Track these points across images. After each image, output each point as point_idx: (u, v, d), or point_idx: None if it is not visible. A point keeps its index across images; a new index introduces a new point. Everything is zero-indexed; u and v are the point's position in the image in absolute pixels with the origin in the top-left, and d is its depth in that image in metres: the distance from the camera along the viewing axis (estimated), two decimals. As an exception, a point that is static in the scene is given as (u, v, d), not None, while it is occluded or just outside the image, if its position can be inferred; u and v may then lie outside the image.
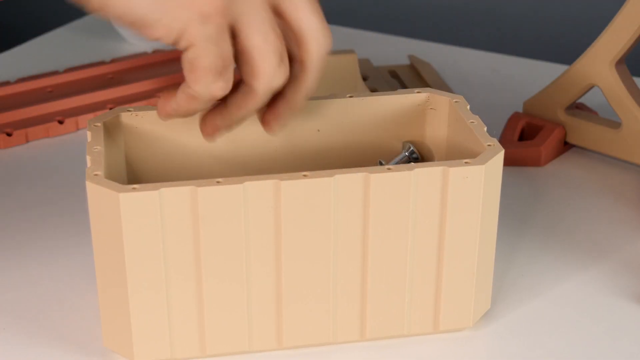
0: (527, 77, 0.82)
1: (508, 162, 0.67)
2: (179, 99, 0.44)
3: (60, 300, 0.52)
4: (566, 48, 0.90)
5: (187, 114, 0.45)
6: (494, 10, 0.96)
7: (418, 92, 0.52)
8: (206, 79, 0.43)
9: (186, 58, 0.43)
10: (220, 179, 0.43)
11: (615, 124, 0.67)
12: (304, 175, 0.44)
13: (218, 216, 0.43)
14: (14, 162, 0.68)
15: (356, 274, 0.46)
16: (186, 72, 0.43)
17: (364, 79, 0.77)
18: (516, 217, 0.61)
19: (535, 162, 0.67)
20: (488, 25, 0.97)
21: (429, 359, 0.48)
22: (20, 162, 0.68)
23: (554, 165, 0.68)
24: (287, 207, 0.44)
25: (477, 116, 0.49)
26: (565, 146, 0.69)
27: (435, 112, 0.52)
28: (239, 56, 0.44)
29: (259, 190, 0.43)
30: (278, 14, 0.45)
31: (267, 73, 0.43)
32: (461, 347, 0.49)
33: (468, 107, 0.51)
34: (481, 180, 0.45)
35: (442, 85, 0.76)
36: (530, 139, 0.69)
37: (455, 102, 0.51)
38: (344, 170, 0.44)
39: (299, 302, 0.46)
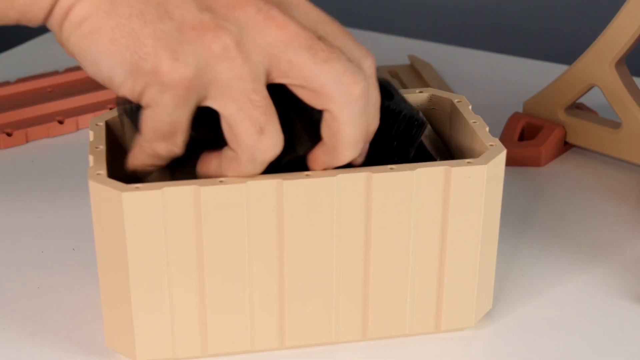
0: (527, 77, 0.82)
1: (508, 162, 0.67)
2: (134, 148, 0.44)
3: (61, 300, 0.52)
4: (566, 48, 0.91)
5: (143, 166, 0.44)
6: (494, 10, 0.96)
7: (420, 92, 0.52)
8: (150, 137, 0.42)
9: (142, 112, 0.42)
10: (222, 179, 0.43)
11: (615, 124, 0.67)
12: (307, 175, 0.44)
13: (221, 216, 0.43)
14: (14, 162, 0.68)
15: (358, 273, 0.46)
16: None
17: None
18: (517, 217, 0.61)
19: (535, 162, 0.68)
20: (488, 25, 0.97)
21: (431, 359, 0.48)
22: (20, 162, 0.68)
23: (554, 165, 0.68)
24: (289, 206, 0.44)
25: (479, 116, 0.49)
26: (565, 146, 0.70)
27: (437, 112, 0.52)
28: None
29: (261, 190, 0.43)
30: (284, 76, 0.41)
31: (246, 143, 0.41)
32: (463, 347, 0.49)
33: (470, 107, 0.51)
34: (483, 180, 0.45)
35: (442, 86, 0.76)
36: (530, 139, 0.69)
37: (457, 102, 0.51)
38: (346, 170, 0.44)
39: (301, 301, 0.46)
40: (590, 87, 0.67)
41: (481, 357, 0.49)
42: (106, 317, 0.46)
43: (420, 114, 0.47)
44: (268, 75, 0.41)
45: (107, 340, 0.47)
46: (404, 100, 0.48)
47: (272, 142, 0.41)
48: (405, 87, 0.77)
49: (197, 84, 0.40)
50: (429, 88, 0.53)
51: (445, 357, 0.48)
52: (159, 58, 0.39)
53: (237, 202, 0.43)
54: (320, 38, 0.41)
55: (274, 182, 0.43)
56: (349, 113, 0.41)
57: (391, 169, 0.45)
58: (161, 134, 0.42)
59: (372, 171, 0.44)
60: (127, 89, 0.41)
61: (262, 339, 0.47)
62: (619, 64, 0.65)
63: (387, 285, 0.47)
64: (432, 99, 0.52)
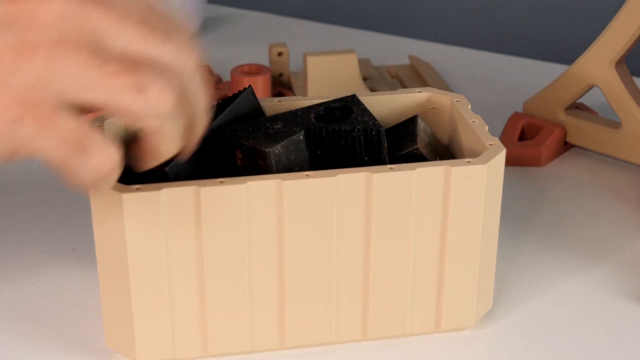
0: (527, 77, 0.82)
1: (508, 162, 0.67)
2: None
3: (62, 300, 0.52)
4: (566, 48, 0.90)
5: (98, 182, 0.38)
6: (494, 10, 0.96)
7: (419, 92, 0.52)
8: (73, 168, 0.37)
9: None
10: (222, 179, 0.43)
11: (615, 124, 0.67)
12: (307, 175, 0.44)
13: (221, 216, 0.43)
14: (14, 162, 0.68)
15: (358, 273, 0.46)
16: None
17: (364, 79, 0.77)
18: (516, 217, 0.61)
19: (535, 162, 0.68)
20: (488, 25, 0.97)
21: (431, 359, 0.48)
22: (20, 162, 0.68)
23: (554, 165, 0.68)
24: (289, 207, 0.44)
25: (479, 115, 0.49)
26: (565, 146, 0.70)
27: (436, 112, 0.52)
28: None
29: (261, 190, 0.43)
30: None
31: (138, 111, 0.37)
32: (463, 347, 0.49)
33: (469, 106, 0.51)
34: (483, 179, 0.45)
35: (442, 85, 0.76)
36: (530, 139, 0.69)
37: (457, 101, 0.51)
38: (346, 169, 0.44)
39: (302, 301, 0.46)
40: (590, 87, 0.67)
41: (481, 357, 0.49)
42: (106, 317, 0.46)
43: (376, 121, 0.48)
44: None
45: (107, 341, 0.47)
46: (362, 112, 0.48)
47: (160, 93, 0.37)
48: (405, 87, 0.77)
49: (44, 97, 0.36)
50: (429, 87, 0.53)
51: (445, 357, 0.48)
52: None
53: (237, 202, 0.43)
54: (146, 19, 0.37)
55: (273, 182, 0.43)
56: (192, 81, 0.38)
57: (391, 168, 0.45)
58: (72, 153, 0.36)
59: (372, 171, 0.44)
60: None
61: (262, 339, 0.47)
62: (619, 64, 0.65)
63: (387, 285, 0.47)
64: (432, 99, 0.52)
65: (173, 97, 0.37)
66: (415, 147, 0.48)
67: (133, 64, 0.37)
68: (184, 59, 0.38)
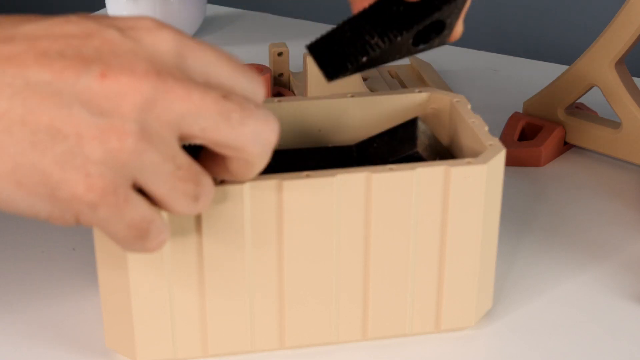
0: (527, 77, 0.82)
1: (508, 162, 0.67)
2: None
3: (62, 300, 0.52)
4: (566, 48, 0.91)
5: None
6: (494, 10, 0.96)
7: (419, 92, 0.52)
8: (130, 247, 0.40)
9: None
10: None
11: (615, 124, 0.67)
12: (307, 175, 0.44)
13: (220, 216, 0.43)
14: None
15: (358, 273, 0.46)
16: None
17: (364, 79, 0.77)
18: (516, 217, 0.61)
19: (535, 162, 0.68)
20: (488, 25, 0.97)
21: (431, 359, 0.48)
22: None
23: (554, 165, 0.68)
24: (289, 207, 0.44)
25: (479, 115, 0.49)
26: (565, 146, 0.70)
27: (436, 112, 0.52)
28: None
29: (261, 190, 0.43)
30: (200, 139, 0.39)
31: (184, 212, 0.40)
32: (463, 347, 0.49)
33: (469, 106, 0.51)
34: (483, 179, 0.45)
35: (442, 85, 0.76)
36: (530, 139, 0.69)
37: (457, 101, 0.51)
38: (346, 170, 0.44)
39: (302, 301, 0.46)
40: (590, 87, 0.67)
41: (481, 357, 0.49)
42: (106, 317, 0.46)
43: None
44: (183, 139, 0.39)
45: (108, 341, 0.47)
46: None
47: (207, 202, 0.41)
48: (405, 87, 0.77)
49: (122, 183, 0.38)
50: (429, 87, 0.53)
51: (445, 357, 0.48)
52: (70, 182, 0.37)
53: (237, 202, 0.43)
54: (225, 96, 0.39)
55: (273, 182, 0.43)
56: (265, 158, 0.41)
57: (391, 169, 0.45)
58: (133, 238, 0.39)
59: (371, 171, 0.44)
60: (59, 219, 0.38)
61: (262, 339, 0.47)
62: (618, 64, 0.65)
63: (387, 285, 0.47)
64: (432, 99, 0.52)
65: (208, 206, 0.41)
66: (415, 150, 0.48)
67: (199, 172, 0.40)
68: (257, 143, 0.40)
